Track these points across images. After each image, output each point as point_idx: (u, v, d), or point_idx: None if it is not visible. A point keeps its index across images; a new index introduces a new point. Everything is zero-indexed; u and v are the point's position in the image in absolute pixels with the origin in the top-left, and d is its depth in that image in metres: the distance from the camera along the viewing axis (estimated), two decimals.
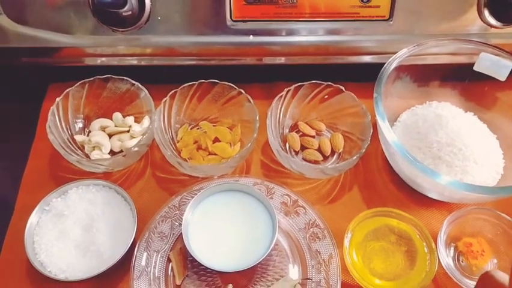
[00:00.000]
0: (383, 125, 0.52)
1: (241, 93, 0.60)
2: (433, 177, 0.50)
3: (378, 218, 0.55)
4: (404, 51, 0.58)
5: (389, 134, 0.52)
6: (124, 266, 0.52)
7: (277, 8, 0.59)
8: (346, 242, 0.52)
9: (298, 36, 0.62)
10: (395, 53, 0.59)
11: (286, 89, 0.61)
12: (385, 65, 0.57)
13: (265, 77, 0.69)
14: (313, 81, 0.61)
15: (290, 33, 0.61)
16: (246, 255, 0.51)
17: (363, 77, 0.63)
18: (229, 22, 0.60)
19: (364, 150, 0.56)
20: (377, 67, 0.58)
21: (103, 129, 0.62)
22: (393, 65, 0.57)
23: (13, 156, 0.63)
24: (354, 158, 0.55)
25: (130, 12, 0.56)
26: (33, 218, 0.53)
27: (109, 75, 0.61)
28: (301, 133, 0.63)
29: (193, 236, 0.52)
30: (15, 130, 0.65)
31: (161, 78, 0.64)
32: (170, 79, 0.63)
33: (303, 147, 0.62)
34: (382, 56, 0.63)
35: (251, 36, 0.61)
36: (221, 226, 0.53)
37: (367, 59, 0.65)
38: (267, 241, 0.52)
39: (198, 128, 0.63)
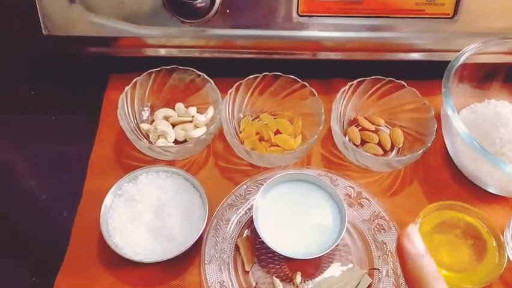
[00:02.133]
0: (454, 117, 0.53)
1: (304, 86, 0.61)
2: (503, 168, 0.50)
3: (443, 211, 0.55)
4: (470, 48, 0.58)
5: (460, 125, 0.53)
6: (194, 250, 0.53)
7: (344, 4, 0.60)
8: None
9: (361, 32, 0.62)
10: (454, 51, 0.59)
11: (348, 84, 0.62)
12: (452, 61, 0.58)
13: (319, 72, 0.69)
14: (375, 77, 0.62)
15: (354, 29, 0.62)
16: (315, 243, 0.52)
17: (418, 75, 0.64)
18: (295, 17, 0.61)
19: (430, 144, 0.56)
20: (434, 65, 0.59)
21: (166, 118, 0.63)
22: (460, 61, 0.58)
23: (75, 144, 0.64)
24: (420, 151, 0.56)
25: (204, 4, 0.57)
26: (107, 201, 0.53)
27: (175, 66, 0.62)
28: (360, 127, 0.64)
29: (263, 221, 0.53)
30: (77, 118, 0.66)
31: (216, 70, 0.64)
32: (224, 71, 0.63)
33: (362, 142, 0.63)
34: (441, 54, 0.64)
35: (316, 31, 0.62)
36: (290, 214, 0.54)
37: (425, 56, 0.66)
38: (335, 230, 0.53)
39: (259, 120, 0.64)
